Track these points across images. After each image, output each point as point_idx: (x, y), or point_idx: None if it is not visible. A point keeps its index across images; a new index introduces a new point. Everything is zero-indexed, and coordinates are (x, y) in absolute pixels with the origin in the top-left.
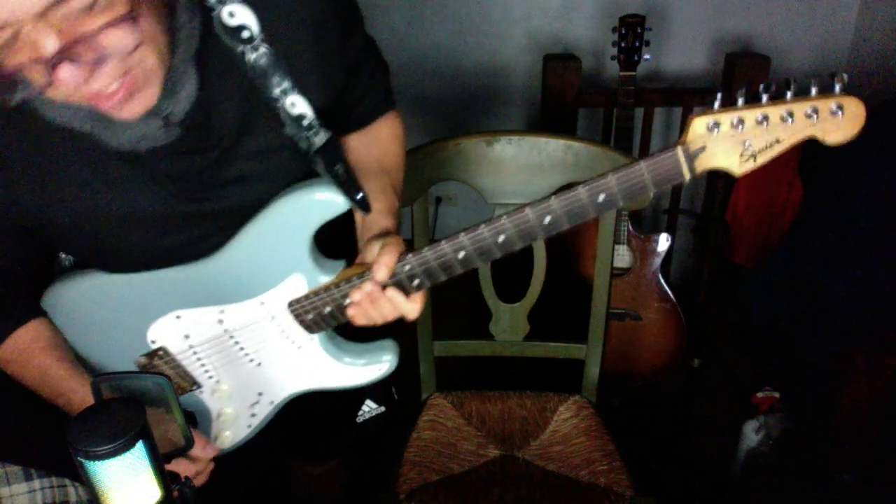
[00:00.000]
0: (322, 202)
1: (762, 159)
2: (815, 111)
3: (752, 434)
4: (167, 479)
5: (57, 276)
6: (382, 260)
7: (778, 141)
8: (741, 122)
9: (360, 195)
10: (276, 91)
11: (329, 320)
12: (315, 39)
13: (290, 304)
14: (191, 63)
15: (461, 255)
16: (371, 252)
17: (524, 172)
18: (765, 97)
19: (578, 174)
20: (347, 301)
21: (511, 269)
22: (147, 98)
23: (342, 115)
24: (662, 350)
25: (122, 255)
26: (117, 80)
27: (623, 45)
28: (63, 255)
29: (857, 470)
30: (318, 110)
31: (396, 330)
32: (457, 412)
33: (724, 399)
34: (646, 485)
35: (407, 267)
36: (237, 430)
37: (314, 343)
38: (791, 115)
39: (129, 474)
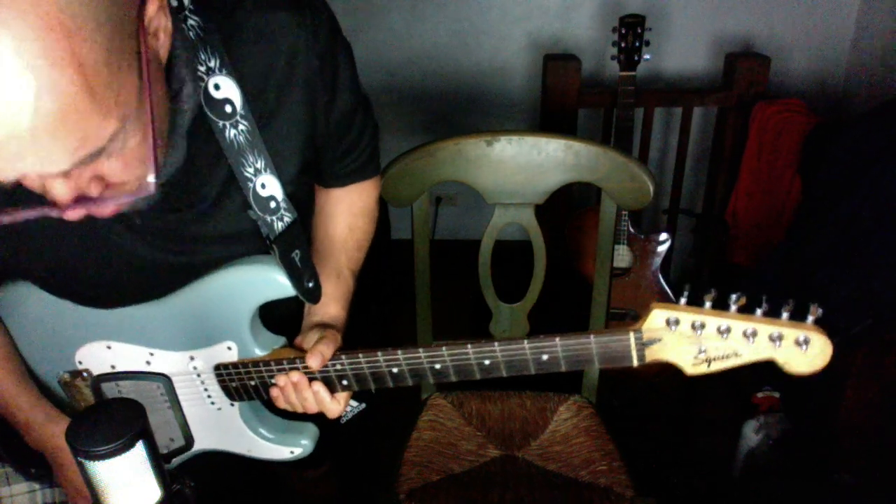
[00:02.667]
0: (268, 284)
1: (717, 367)
2: (780, 337)
3: (752, 434)
4: (167, 479)
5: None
6: (319, 348)
7: (737, 354)
8: (702, 325)
9: (310, 283)
10: (250, 171)
11: (252, 394)
12: (303, 99)
13: (217, 369)
14: (184, 136)
15: (394, 369)
16: (308, 340)
17: (524, 172)
18: (734, 307)
19: (578, 174)
20: (273, 381)
21: (511, 269)
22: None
23: (321, 169)
24: None
25: (86, 297)
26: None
27: (623, 45)
28: None
29: (857, 470)
30: (290, 184)
31: (397, 324)
32: (457, 412)
33: (724, 399)
34: (646, 485)
35: (338, 365)
36: None
37: (234, 409)
38: (755, 333)
39: (129, 474)
